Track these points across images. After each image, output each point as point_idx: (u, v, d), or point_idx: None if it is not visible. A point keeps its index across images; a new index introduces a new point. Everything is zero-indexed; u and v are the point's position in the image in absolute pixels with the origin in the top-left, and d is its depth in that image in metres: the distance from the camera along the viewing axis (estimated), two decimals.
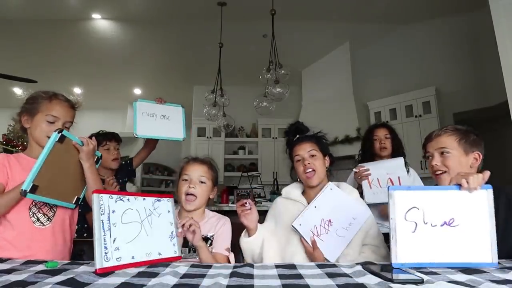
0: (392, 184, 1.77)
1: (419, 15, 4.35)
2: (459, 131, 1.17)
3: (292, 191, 1.37)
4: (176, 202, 1.18)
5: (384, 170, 1.81)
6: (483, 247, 0.88)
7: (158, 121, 1.71)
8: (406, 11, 4.22)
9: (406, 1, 4.01)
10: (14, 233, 1.11)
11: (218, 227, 1.23)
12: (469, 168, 1.13)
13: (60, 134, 1.09)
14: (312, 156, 1.30)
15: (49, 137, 1.16)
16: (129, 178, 2.10)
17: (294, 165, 1.34)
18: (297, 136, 1.38)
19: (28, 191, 1.01)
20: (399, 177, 1.77)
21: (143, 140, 1.91)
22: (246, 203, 1.16)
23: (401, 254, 0.88)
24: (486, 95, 3.90)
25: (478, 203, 0.91)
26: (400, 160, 1.81)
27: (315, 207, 1.20)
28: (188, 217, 1.06)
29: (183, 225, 1.03)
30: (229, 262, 1.17)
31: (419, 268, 0.86)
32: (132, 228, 0.93)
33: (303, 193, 1.36)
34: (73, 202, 1.19)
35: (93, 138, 1.24)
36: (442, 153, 1.15)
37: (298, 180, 1.38)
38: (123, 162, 2.01)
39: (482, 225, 0.89)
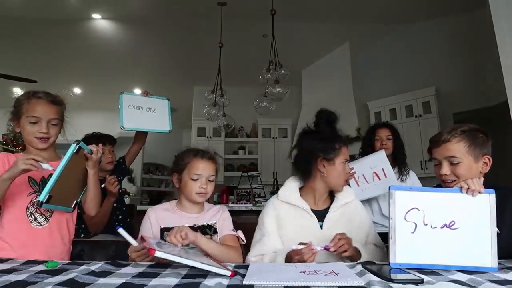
0: (378, 177, 1.80)
1: (418, 15, 4.35)
2: (467, 134, 1.08)
3: (291, 195, 1.25)
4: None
5: (367, 166, 1.84)
6: (483, 251, 0.86)
7: (144, 114, 1.71)
8: (406, 11, 4.22)
9: (405, 1, 4.00)
10: (10, 233, 1.12)
11: (219, 215, 1.26)
12: (479, 174, 1.08)
13: (77, 146, 1.10)
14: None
15: (36, 138, 1.16)
16: (124, 176, 2.11)
17: (326, 164, 1.21)
18: (331, 127, 1.26)
19: (44, 202, 1.01)
20: (383, 169, 1.79)
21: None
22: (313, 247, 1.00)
23: (399, 254, 0.87)
24: (486, 95, 3.90)
25: (480, 207, 0.90)
26: (381, 154, 1.83)
27: None
28: (177, 231, 0.99)
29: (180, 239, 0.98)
30: (239, 240, 1.20)
31: (418, 268, 0.86)
32: None
33: (301, 193, 1.26)
34: (72, 206, 1.20)
35: (100, 145, 1.25)
36: (451, 161, 1.08)
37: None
38: (116, 161, 2.01)
39: (483, 229, 0.88)
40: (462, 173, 1.07)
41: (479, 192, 0.91)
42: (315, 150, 1.20)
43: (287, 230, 1.19)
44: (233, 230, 1.23)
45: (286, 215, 1.21)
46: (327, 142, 1.20)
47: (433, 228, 0.89)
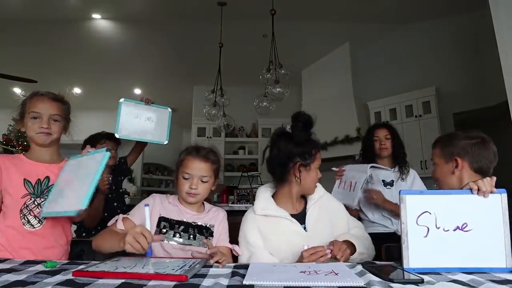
0: (350, 187, 1.80)
1: (419, 15, 4.35)
2: (445, 138, 1.20)
3: (267, 206, 1.21)
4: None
5: (350, 173, 1.85)
6: (497, 252, 0.86)
7: (142, 123, 1.64)
8: (406, 11, 4.22)
9: (406, 1, 4.00)
10: (4, 235, 1.11)
11: (219, 221, 1.24)
12: (451, 175, 1.13)
13: (109, 152, 1.09)
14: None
15: (37, 134, 1.17)
16: (125, 177, 2.14)
17: (302, 169, 1.18)
18: (307, 132, 1.21)
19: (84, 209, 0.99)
20: (356, 182, 1.79)
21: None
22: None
23: (413, 259, 0.86)
24: (486, 95, 3.90)
25: (492, 208, 0.89)
26: (365, 167, 1.81)
27: None
28: (218, 256, 0.95)
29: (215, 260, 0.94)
30: (232, 253, 1.19)
31: (432, 272, 0.84)
32: None
33: (275, 200, 1.24)
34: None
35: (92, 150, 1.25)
36: (433, 163, 1.22)
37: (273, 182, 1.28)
38: (117, 162, 2.03)
39: (496, 229, 0.88)
40: (437, 175, 1.19)
41: (491, 192, 0.90)
42: (292, 155, 1.18)
43: (274, 243, 1.15)
44: (228, 242, 1.22)
45: (269, 229, 1.17)
46: (305, 147, 1.18)
47: (446, 231, 0.88)
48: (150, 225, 0.96)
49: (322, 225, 1.21)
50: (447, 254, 0.87)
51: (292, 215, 1.20)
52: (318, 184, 1.29)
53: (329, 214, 1.26)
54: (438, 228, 0.89)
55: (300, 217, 1.21)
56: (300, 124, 1.20)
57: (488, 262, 0.85)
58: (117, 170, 2.02)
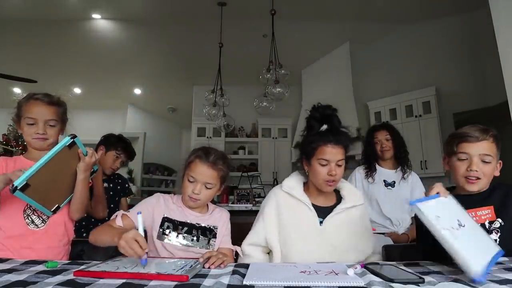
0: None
1: (419, 15, 4.35)
2: (496, 137, 1.11)
3: (295, 187, 1.24)
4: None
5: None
6: (490, 240, 0.91)
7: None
8: (406, 11, 4.22)
9: (406, 1, 4.01)
10: (7, 235, 1.11)
11: (222, 222, 1.23)
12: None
13: (72, 140, 1.07)
14: (339, 166, 1.16)
15: (33, 139, 1.16)
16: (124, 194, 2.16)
17: (314, 163, 1.17)
18: (325, 127, 1.19)
19: (19, 188, 0.95)
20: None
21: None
22: None
23: (473, 263, 0.74)
24: (486, 95, 3.90)
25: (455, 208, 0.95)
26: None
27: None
28: (215, 256, 0.93)
29: (212, 263, 0.91)
30: (236, 254, 1.19)
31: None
32: None
33: (305, 187, 1.26)
34: (52, 210, 1.13)
35: (100, 153, 1.24)
36: (483, 159, 1.08)
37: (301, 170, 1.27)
38: (121, 180, 2.09)
39: (473, 224, 0.92)
40: (490, 172, 1.09)
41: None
42: (300, 149, 1.25)
43: (285, 218, 1.20)
44: (231, 243, 1.22)
45: (286, 204, 1.22)
46: (307, 141, 1.21)
47: (458, 229, 0.84)
48: (143, 231, 0.94)
49: (340, 232, 1.18)
50: (478, 248, 0.84)
51: (314, 205, 1.20)
52: (359, 193, 1.29)
53: (354, 227, 1.20)
54: (453, 228, 0.83)
55: (323, 211, 1.20)
56: (313, 119, 1.22)
57: (491, 251, 0.85)
58: (116, 183, 2.07)
